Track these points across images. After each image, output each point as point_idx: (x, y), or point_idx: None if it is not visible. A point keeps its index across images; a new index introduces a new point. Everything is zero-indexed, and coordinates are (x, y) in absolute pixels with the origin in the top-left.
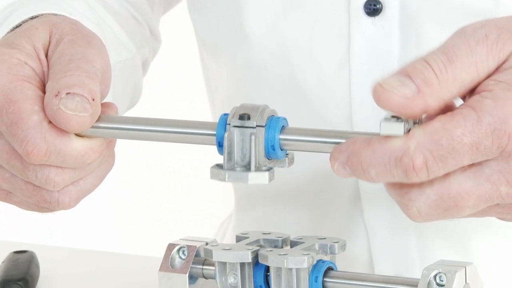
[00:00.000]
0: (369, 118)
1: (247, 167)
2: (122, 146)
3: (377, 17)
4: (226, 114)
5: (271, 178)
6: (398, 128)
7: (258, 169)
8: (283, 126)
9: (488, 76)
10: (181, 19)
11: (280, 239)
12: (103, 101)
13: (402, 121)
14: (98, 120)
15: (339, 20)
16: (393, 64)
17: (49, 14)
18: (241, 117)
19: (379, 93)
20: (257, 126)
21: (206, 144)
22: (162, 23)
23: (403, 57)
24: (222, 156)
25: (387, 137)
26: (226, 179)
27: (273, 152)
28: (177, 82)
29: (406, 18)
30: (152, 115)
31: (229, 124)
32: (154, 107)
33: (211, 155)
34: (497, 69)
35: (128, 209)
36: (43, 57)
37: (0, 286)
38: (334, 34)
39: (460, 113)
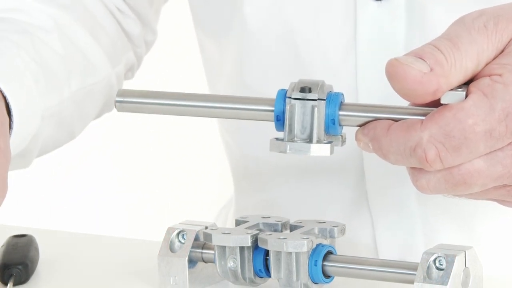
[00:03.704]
0: (376, 102)
1: (307, 140)
2: (121, 134)
3: (383, 1)
4: (283, 89)
5: (332, 151)
6: (459, 96)
7: (318, 142)
8: (341, 101)
9: (486, 65)
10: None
11: (279, 223)
12: None
13: (464, 90)
14: (145, 95)
15: (345, 4)
16: (399, 48)
17: None
18: (303, 90)
19: (395, 67)
20: (318, 99)
21: (263, 120)
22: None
23: (409, 41)
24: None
25: (404, 125)
26: (288, 151)
27: (333, 127)
28: (175, 69)
29: (412, 1)
30: None
31: (290, 97)
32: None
33: (211, 139)
34: (496, 56)
35: (127, 193)
36: None
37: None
38: (340, 18)
39: (471, 100)
